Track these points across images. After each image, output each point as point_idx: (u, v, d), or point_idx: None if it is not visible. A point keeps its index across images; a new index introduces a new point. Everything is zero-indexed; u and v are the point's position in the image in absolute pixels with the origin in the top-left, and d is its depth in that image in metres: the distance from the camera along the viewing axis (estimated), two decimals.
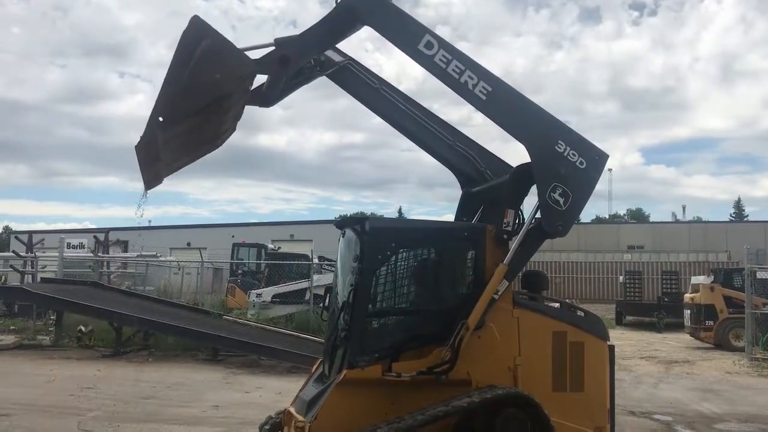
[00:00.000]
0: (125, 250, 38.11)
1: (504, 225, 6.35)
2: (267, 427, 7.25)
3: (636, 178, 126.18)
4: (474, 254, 6.39)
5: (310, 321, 18.22)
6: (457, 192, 7.45)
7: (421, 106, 7.11)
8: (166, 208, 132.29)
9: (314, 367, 7.18)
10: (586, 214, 58.95)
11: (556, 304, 7.20)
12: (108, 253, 31.41)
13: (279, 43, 6.45)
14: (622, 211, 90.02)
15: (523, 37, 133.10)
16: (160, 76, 6.18)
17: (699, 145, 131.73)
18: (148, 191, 6.62)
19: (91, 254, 29.57)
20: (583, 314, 6.67)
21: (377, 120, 7.22)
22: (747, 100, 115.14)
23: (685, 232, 48.97)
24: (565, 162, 6.24)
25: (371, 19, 6.41)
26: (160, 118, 6.07)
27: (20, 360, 15.40)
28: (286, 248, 34.15)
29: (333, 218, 6.94)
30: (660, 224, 56.20)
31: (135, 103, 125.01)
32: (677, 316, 25.43)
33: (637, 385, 13.92)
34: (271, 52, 6.39)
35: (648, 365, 17.29)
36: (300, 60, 6.47)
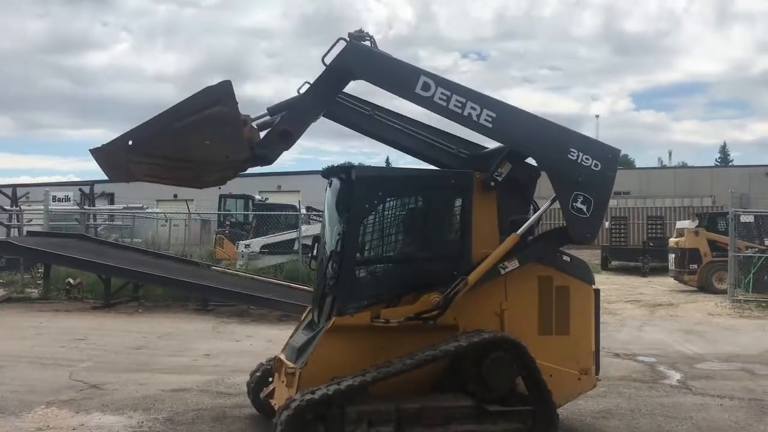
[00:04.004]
0: (111, 203, 37.93)
1: (496, 174, 6.36)
2: (258, 374, 7.36)
3: (625, 123, 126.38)
4: (461, 201, 6.40)
5: (299, 270, 18.32)
6: None
7: (418, 121, 6.90)
8: None
9: (304, 315, 7.25)
10: None
11: None
12: (94, 206, 31.22)
13: (273, 112, 6.34)
14: None
15: None
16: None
17: (690, 89, 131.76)
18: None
19: (77, 207, 29.35)
20: (569, 259, 6.72)
21: None
22: (741, 43, 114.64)
23: (670, 177, 49.17)
24: (580, 169, 6.27)
25: (365, 75, 6.31)
26: (130, 142, 5.97)
27: (9, 313, 15.43)
28: (273, 199, 34.08)
29: (320, 168, 6.88)
30: (646, 170, 56.34)
31: (119, 52, 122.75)
32: (662, 260, 25.80)
33: (622, 327, 14.19)
34: (271, 130, 6.23)
35: (633, 308, 17.59)
36: (301, 131, 6.29)
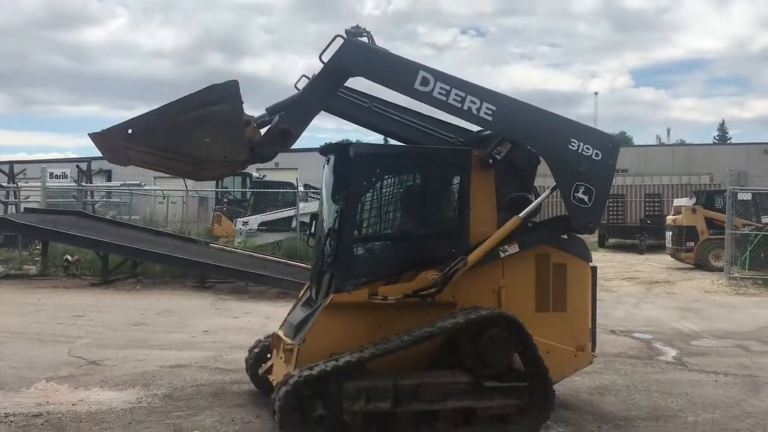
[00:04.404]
0: (109, 180, 37.83)
1: (495, 152, 6.36)
2: (256, 350, 7.40)
3: (624, 100, 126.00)
4: (460, 179, 6.39)
5: (297, 248, 18.34)
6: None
7: (415, 111, 6.86)
8: None
9: (302, 292, 7.27)
10: None
11: None
12: (91, 183, 31.12)
13: (272, 112, 6.30)
14: None
15: None
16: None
17: (690, 66, 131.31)
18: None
19: (75, 184, 29.25)
20: (566, 236, 6.74)
21: None
22: (742, 20, 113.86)
23: (668, 155, 49.08)
24: (581, 159, 6.28)
25: (363, 72, 6.24)
26: (129, 131, 5.95)
27: (7, 290, 15.44)
28: (271, 176, 33.94)
29: (317, 146, 6.87)
30: (644, 147, 56.21)
31: (115, 28, 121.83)
32: (659, 238, 25.85)
33: (619, 305, 14.25)
34: (270, 129, 6.20)
35: (629, 286, 17.66)
36: (301, 130, 6.25)
